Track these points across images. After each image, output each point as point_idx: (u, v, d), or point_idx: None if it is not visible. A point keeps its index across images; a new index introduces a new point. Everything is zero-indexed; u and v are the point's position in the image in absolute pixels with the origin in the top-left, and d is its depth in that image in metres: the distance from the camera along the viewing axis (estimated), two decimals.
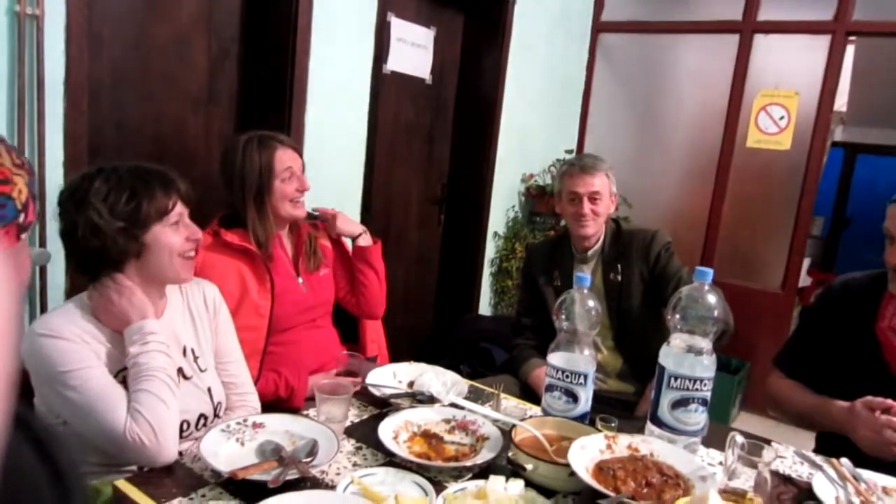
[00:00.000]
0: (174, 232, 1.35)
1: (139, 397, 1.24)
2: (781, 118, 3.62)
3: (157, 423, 1.22)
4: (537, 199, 3.75)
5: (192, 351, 1.45)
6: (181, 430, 1.35)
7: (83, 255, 1.29)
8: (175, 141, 2.12)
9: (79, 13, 1.64)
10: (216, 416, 1.46)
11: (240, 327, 1.68)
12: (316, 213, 1.97)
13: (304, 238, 1.89)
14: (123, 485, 1.16)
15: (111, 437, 1.21)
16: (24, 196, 0.84)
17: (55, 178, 1.67)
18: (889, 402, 1.44)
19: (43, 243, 1.66)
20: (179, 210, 1.37)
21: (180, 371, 1.41)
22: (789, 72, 3.60)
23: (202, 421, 1.42)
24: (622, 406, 2.07)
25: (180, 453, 1.30)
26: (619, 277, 2.11)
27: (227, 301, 1.69)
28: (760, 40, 3.67)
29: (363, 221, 2.24)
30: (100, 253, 1.28)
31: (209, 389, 1.45)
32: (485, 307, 3.73)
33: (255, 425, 1.36)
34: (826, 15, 3.46)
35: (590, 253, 2.15)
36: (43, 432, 0.42)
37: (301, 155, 1.86)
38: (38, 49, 1.58)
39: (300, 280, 1.88)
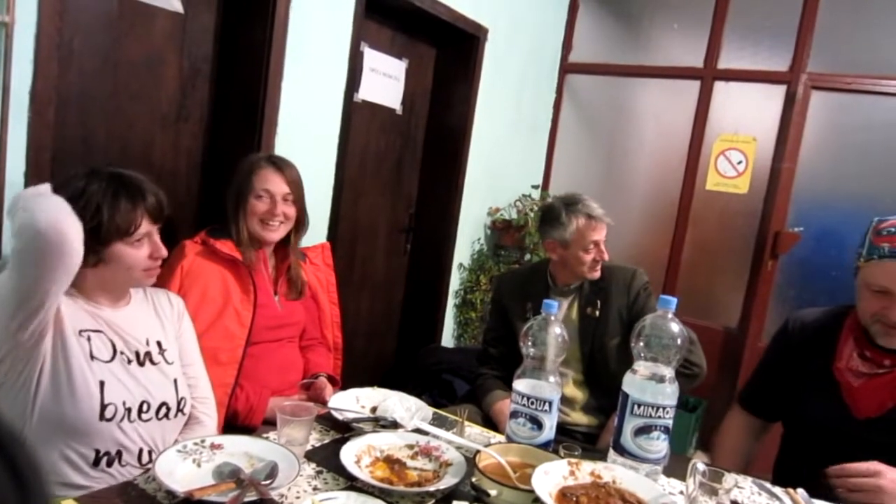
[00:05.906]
0: (137, 249, 1.37)
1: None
2: (739, 163, 3.74)
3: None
4: (503, 232, 3.78)
5: (159, 343, 1.46)
6: (140, 410, 1.35)
7: None
8: (142, 157, 2.09)
9: (50, 23, 1.61)
10: (179, 411, 1.46)
11: (220, 334, 1.72)
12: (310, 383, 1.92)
13: (287, 265, 1.95)
14: None
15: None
16: None
17: (16, 187, 1.62)
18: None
19: None
20: (146, 229, 1.39)
21: (147, 355, 1.42)
22: (748, 118, 3.74)
23: (163, 410, 1.41)
24: (585, 438, 2.07)
25: (145, 469, 1.27)
26: (598, 313, 2.12)
27: (209, 306, 1.74)
28: (721, 87, 3.81)
29: (330, 246, 2.24)
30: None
31: (175, 381, 1.45)
32: (448, 338, 3.72)
33: (214, 446, 1.33)
34: (783, 66, 3.62)
35: (570, 287, 2.17)
36: (6, 436, 0.40)
37: (296, 187, 1.90)
38: (6, 56, 1.55)
39: (276, 298, 1.92)
